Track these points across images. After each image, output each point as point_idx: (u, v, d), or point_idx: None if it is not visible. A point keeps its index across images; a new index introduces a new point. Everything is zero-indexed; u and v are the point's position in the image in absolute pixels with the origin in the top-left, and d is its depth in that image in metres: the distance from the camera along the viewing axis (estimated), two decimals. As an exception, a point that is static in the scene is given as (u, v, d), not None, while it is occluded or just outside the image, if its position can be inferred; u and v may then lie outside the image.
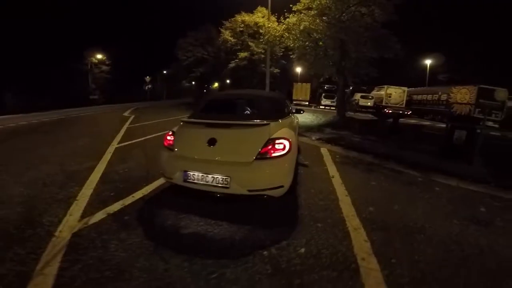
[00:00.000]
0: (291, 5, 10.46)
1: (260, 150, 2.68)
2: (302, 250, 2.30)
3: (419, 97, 23.14)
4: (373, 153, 6.37)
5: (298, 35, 10.08)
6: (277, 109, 3.56)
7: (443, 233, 2.80)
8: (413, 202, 3.71)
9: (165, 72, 40.24)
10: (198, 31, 27.34)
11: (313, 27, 9.25)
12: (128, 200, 3.18)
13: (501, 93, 15.71)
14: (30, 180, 3.87)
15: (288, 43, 10.86)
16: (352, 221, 2.91)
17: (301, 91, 26.44)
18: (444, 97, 19.38)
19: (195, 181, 2.67)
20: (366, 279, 1.95)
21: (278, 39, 11.18)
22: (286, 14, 10.92)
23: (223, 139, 2.76)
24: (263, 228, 2.64)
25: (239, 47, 22.39)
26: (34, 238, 2.33)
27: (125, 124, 10.44)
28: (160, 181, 3.78)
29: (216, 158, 2.71)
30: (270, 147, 2.70)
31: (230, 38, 23.02)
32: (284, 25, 10.82)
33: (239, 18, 23.55)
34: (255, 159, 2.65)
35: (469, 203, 3.79)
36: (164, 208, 2.99)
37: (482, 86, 15.80)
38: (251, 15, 23.41)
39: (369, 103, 23.40)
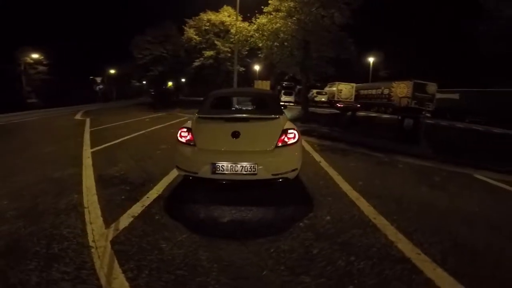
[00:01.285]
0: (262, 7, 10.95)
1: (278, 139, 3.07)
2: (328, 217, 2.80)
3: (365, 92, 25.99)
4: (344, 141, 7.34)
5: (267, 36, 10.64)
6: (277, 104, 3.98)
7: (418, 196, 3.64)
8: (387, 176, 4.56)
9: (113, 71, 36.99)
10: (157, 29, 25.97)
11: (284, 28, 9.90)
12: (146, 201, 3.12)
13: (431, 87, 18.75)
14: (12, 191, 3.45)
15: (258, 43, 11.35)
16: (351, 193, 3.56)
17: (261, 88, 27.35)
18: (386, 91, 22.19)
19: (224, 172, 2.83)
20: (385, 230, 2.59)
21: (248, 38, 11.58)
22: (257, 15, 11.38)
23: (245, 131, 3.03)
24: (287, 206, 3.05)
25: (204, 45, 22.07)
26: (70, 252, 2.09)
27: (84, 128, 9.61)
28: (168, 179, 3.82)
29: (242, 149, 2.99)
30: (284, 136, 3.12)
31: (194, 36, 22.51)
32: (255, 25, 11.27)
33: (204, 16, 23.16)
34: (275, 147, 3.04)
35: (426, 175, 4.81)
36: (189, 203, 3.05)
37: (416, 81, 18.59)
38: (217, 14, 23.24)
39: (323, 99, 25.57)
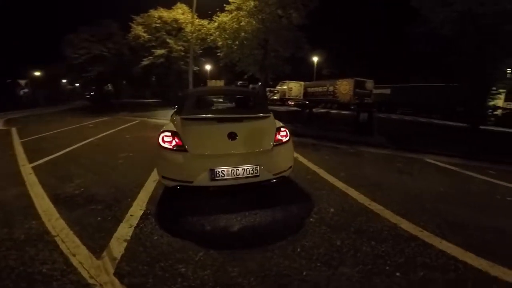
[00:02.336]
0: (224, 4, 10.63)
1: (274, 138, 2.98)
2: (332, 209, 2.87)
3: (312, 89, 27.77)
4: (310, 136, 7.68)
5: (228, 34, 10.42)
6: (264, 103, 3.88)
7: (393, 182, 4.08)
8: (360, 166, 4.96)
9: (39, 73, 31.11)
10: (96, 26, 22.90)
11: (248, 27, 9.82)
12: (131, 220, 2.58)
13: (369, 84, 21.05)
14: None
15: (218, 41, 11.02)
16: (339, 184, 3.75)
17: (215, 88, 26.80)
18: (331, 88, 24.08)
19: (225, 177, 2.60)
20: (384, 215, 2.80)
21: (208, 37, 11.14)
22: (218, 13, 11.00)
23: (242, 132, 2.81)
24: (290, 204, 3.01)
25: (154, 43, 20.32)
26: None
27: (12, 139, 7.87)
28: (146, 192, 3.32)
29: (241, 151, 2.79)
30: (278, 134, 3.05)
31: (143, 34, 20.51)
32: (216, 23, 10.89)
33: (155, 13, 21.22)
34: (273, 146, 2.93)
35: (390, 162, 5.39)
36: (185, 216, 2.70)
37: (357, 78, 20.62)
38: (170, 11, 21.61)
39: (275, 97, 26.50)
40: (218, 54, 12.73)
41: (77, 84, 30.10)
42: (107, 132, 8.50)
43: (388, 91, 24.64)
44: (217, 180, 2.60)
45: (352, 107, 16.97)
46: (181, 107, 3.33)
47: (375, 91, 22.14)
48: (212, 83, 27.46)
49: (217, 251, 2.09)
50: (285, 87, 26.40)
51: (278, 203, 3.02)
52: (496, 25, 7.89)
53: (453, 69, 9.97)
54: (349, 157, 5.67)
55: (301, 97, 26.51)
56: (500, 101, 15.52)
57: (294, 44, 10.54)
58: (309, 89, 28.01)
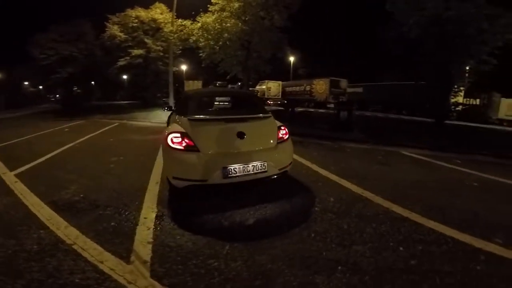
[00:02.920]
0: (208, 5, 10.58)
1: (277, 136, 3.20)
2: (332, 199, 3.18)
3: (290, 89, 28.45)
4: (296, 134, 7.94)
5: (212, 36, 10.42)
6: (262, 103, 4.07)
7: (377, 172, 4.54)
8: (346, 160, 5.38)
9: None
10: (65, 26, 21.36)
11: (234, 29, 9.90)
12: (147, 222, 2.59)
13: (343, 83, 22.08)
14: None
15: (199, 43, 10.96)
16: (332, 176, 4.11)
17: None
18: (308, 88, 24.88)
19: (236, 174, 2.74)
20: (376, 201, 3.18)
21: (190, 38, 11.02)
22: (201, 13, 10.91)
23: (249, 131, 2.97)
24: (294, 197, 3.25)
25: (130, 43, 19.46)
26: None
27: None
28: (152, 193, 3.32)
29: (250, 148, 2.96)
30: (280, 133, 3.27)
31: (119, 33, 19.53)
32: (199, 24, 10.80)
33: (132, 13, 20.23)
34: (277, 143, 3.15)
35: (371, 155, 5.88)
36: (200, 215, 2.77)
37: (332, 78, 21.54)
38: (148, 10, 20.76)
39: (255, 97, 26.74)
40: (200, 54, 12.66)
41: (40, 87, 27.94)
42: (87, 136, 8.12)
43: (360, 89, 26.10)
44: (230, 177, 2.74)
45: (332, 106, 17.79)
46: (184, 109, 3.38)
47: (349, 90, 23.31)
48: (189, 84, 27.11)
49: (241, 243, 2.25)
50: (264, 87, 26.74)
51: (283, 196, 3.24)
52: (458, 29, 8.87)
53: (419, 69, 10.91)
54: (335, 152, 6.08)
55: (280, 97, 27.07)
56: (460, 98, 17.18)
57: (275, 45, 10.86)
58: (287, 89, 28.64)
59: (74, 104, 19.39)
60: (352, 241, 2.30)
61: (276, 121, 3.45)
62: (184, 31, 11.44)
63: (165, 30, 19.29)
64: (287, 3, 10.20)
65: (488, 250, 2.25)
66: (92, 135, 8.34)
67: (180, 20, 13.39)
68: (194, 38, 11.62)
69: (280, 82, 27.86)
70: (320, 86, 23.00)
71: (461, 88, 12.60)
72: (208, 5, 10.95)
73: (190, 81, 27.25)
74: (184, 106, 3.49)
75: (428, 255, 2.16)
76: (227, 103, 4.37)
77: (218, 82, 26.74)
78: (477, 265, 2.06)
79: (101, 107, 20.99)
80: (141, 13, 20.62)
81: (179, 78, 30.53)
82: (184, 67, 30.82)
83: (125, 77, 30.61)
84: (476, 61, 10.19)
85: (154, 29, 20.69)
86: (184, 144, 2.82)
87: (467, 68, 11.12)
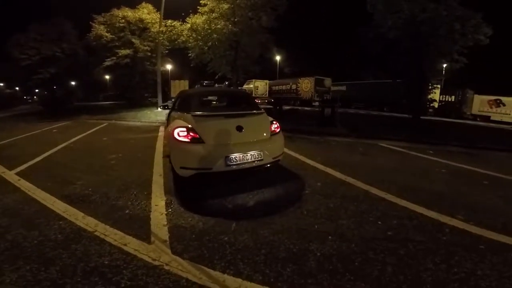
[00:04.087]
0: (198, 7, 10.74)
1: (270, 129, 3.61)
2: (319, 184, 3.67)
3: (277, 87, 28.94)
4: (285, 130, 8.35)
5: (202, 36, 10.64)
6: (254, 101, 4.47)
7: (358, 161, 5.13)
8: (330, 151, 5.93)
9: None
10: (47, 25, 20.64)
11: (225, 30, 10.16)
12: (158, 209, 2.90)
13: (328, 82, 22.83)
14: None
15: (188, 43, 11.14)
16: (318, 165, 4.60)
17: (179, 88, 26.23)
18: (294, 86, 25.47)
19: (237, 162, 3.11)
20: (358, 185, 3.69)
21: (179, 38, 11.16)
22: (191, 14, 11.06)
23: (246, 125, 3.38)
24: (286, 183, 3.71)
25: (117, 43, 19.17)
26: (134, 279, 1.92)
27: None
28: (158, 185, 3.61)
29: (248, 140, 3.35)
30: (272, 126, 3.69)
31: (105, 33, 19.15)
32: (188, 25, 10.96)
33: (119, 13, 19.87)
34: (270, 135, 3.56)
35: (353, 147, 6.44)
36: (206, 200, 3.12)
37: (317, 77, 22.22)
38: (135, 10, 20.45)
39: (243, 95, 27.06)
40: (189, 54, 12.84)
41: (17, 88, 26.84)
42: (79, 136, 8.17)
43: (344, 87, 27.06)
44: (231, 165, 3.12)
45: (317, 103, 18.42)
46: (187, 106, 3.75)
47: (333, 88, 24.14)
48: (175, 84, 27.01)
49: (245, 221, 2.63)
50: (251, 85, 27.11)
51: (276, 182, 3.67)
52: (432, 30, 9.64)
53: (397, 67, 11.65)
54: (320, 145, 6.61)
55: (267, 95, 27.55)
56: (436, 95, 18.33)
57: (263, 45, 11.25)
58: (274, 87, 29.13)
59: (56, 105, 18.84)
60: (338, 216, 2.74)
61: (268, 117, 3.86)
62: (173, 31, 11.58)
63: (152, 30, 19.22)
64: (275, 5, 10.63)
65: (452, 224, 2.71)
66: (84, 135, 8.40)
67: (169, 21, 13.48)
68: (183, 39, 11.78)
69: (267, 81, 28.34)
70: (306, 85, 23.65)
71: (436, 86, 13.54)
72: (198, 6, 11.15)
73: (177, 81, 27.14)
74: (186, 104, 3.85)
75: (402, 228, 2.61)
76: (224, 102, 4.78)
77: (205, 82, 26.85)
78: (443, 236, 2.51)
79: (85, 108, 20.51)
80: (128, 13, 20.39)
81: (164, 78, 30.29)
82: (169, 67, 30.59)
83: (107, 77, 29.92)
84: (448, 60, 11.01)
85: (141, 29, 20.56)
86: (190, 137, 3.18)
87: (444, 66, 11.97)
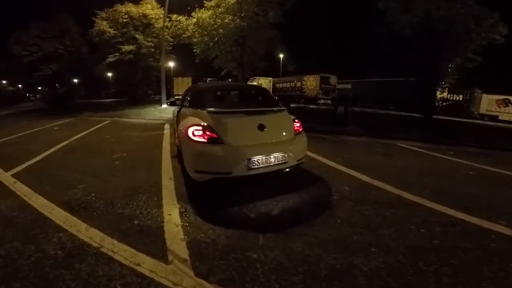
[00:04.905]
0: (204, 1, 10.38)
1: (293, 128, 3.25)
2: (346, 188, 3.34)
3: (281, 85, 28.63)
4: (295, 129, 8.14)
5: (208, 31, 10.27)
6: (273, 98, 4.10)
7: (378, 162, 4.77)
8: (349, 152, 5.59)
9: None
10: (47, 22, 20.38)
11: (232, 25, 9.78)
12: (173, 219, 2.55)
13: (333, 79, 22.45)
14: None
15: (193, 38, 10.78)
16: (340, 167, 4.28)
17: (183, 86, 25.90)
18: (298, 84, 25.11)
19: (260, 166, 2.75)
20: (386, 188, 3.42)
21: (185, 33, 10.79)
22: (197, 9, 10.69)
23: (269, 123, 3.00)
24: (310, 187, 3.36)
25: (120, 39, 18.81)
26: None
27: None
28: (169, 191, 3.24)
29: (271, 140, 2.99)
30: (295, 125, 3.33)
31: (109, 29, 18.79)
32: (194, 19, 10.58)
33: (122, 8, 19.52)
34: (294, 135, 3.20)
35: (371, 147, 6.09)
36: (224, 208, 2.76)
37: (322, 74, 21.83)
38: (138, 6, 20.11)
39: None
40: (194, 50, 12.45)
41: (19, 85, 26.60)
42: (81, 134, 7.85)
43: (349, 86, 26.65)
44: (254, 169, 2.75)
45: (323, 101, 18.05)
46: (200, 102, 3.35)
47: (338, 86, 23.76)
48: (178, 81, 26.64)
49: (273, 234, 2.28)
50: (255, 83, 26.75)
51: (300, 187, 3.32)
52: (448, 28, 9.27)
53: (407, 65, 11.29)
54: (337, 145, 6.25)
55: (271, 93, 27.19)
56: (444, 94, 17.95)
57: (270, 41, 10.89)
58: (278, 85, 28.79)
59: (59, 102, 18.58)
60: (376, 225, 2.46)
61: (290, 115, 3.49)
62: (179, 26, 11.18)
63: (156, 26, 18.85)
64: (282, 0, 10.25)
65: (497, 230, 2.47)
66: (86, 133, 8.07)
67: (175, 15, 13.04)
68: (188, 34, 11.39)
69: (271, 79, 27.96)
70: (311, 83, 23.27)
71: (447, 84, 13.19)
72: (204, 1, 10.77)
73: (180, 78, 26.78)
74: (199, 100, 3.46)
75: (446, 235, 2.35)
76: (240, 97, 4.39)
77: (209, 79, 26.48)
78: (491, 242, 2.27)
79: (87, 105, 20.27)
80: (131, 8, 20.00)
81: (167, 75, 29.91)
82: (171, 64, 30.21)
83: (110, 74, 29.60)
84: (462, 59, 10.66)
85: (145, 24, 20.19)
86: (206, 136, 2.79)
87: (450, 65, 11.61)
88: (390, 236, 2.30)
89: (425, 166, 4.80)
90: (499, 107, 22.01)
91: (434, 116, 12.30)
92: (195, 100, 3.54)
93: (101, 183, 3.64)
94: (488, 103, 22.30)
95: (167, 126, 9.03)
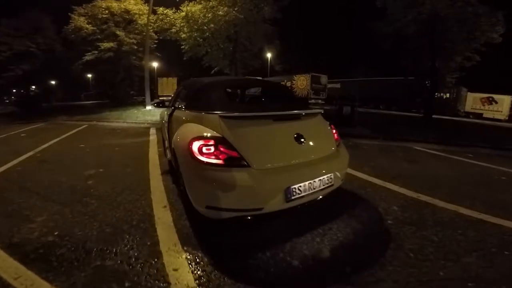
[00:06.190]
0: None
1: (334, 137, 2.47)
2: (395, 207, 2.74)
3: (270, 85, 27.98)
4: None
5: (198, 26, 9.31)
6: (295, 96, 3.28)
7: (407, 170, 4.21)
8: (370, 158, 5.02)
9: None
10: (21, 19, 18.51)
11: (228, 18, 8.87)
12: (179, 276, 1.78)
13: (324, 79, 22.09)
14: None
15: (181, 34, 9.78)
16: (372, 179, 3.66)
17: (167, 86, 24.59)
18: (288, 84, 24.52)
19: (302, 195, 1.94)
20: (437, 203, 2.90)
21: (173, 27, 9.75)
22: (186, 1, 9.66)
23: (306, 132, 2.17)
24: (353, 210, 2.64)
25: (99, 36, 17.26)
26: None
27: None
28: (166, 226, 2.39)
29: (313, 156, 2.14)
30: (334, 133, 2.56)
31: (86, 25, 17.18)
32: (183, 13, 9.56)
33: (102, 3, 17.90)
34: (336, 147, 2.42)
35: (390, 152, 5.65)
36: (256, 254, 1.93)
37: (313, 74, 21.39)
38: (120, 1, 18.56)
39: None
40: (182, 47, 11.41)
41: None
42: (51, 142, 6.64)
43: (338, 85, 26.46)
44: (294, 199, 1.92)
45: (334, 102, 17.61)
46: (206, 103, 2.41)
47: (328, 85, 23.46)
48: (163, 81, 25.23)
49: (338, 284, 1.61)
50: (244, 83, 25.95)
51: (340, 211, 2.58)
52: (451, 27, 8.97)
53: (407, 64, 10.94)
54: (353, 150, 5.51)
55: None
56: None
57: (268, 38, 10.14)
58: (267, 85, 28.14)
59: (32, 105, 16.90)
60: (455, 253, 2.02)
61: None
62: (165, 20, 10.16)
63: (139, 22, 17.55)
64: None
65: None
66: (57, 141, 6.89)
67: (161, 8, 11.83)
68: (176, 28, 10.36)
69: (259, 78, 27.25)
70: (301, 82, 22.77)
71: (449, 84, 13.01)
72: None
73: (164, 78, 25.39)
74: (203, 99, 2.51)
75: None
76: (258, 96, 3.45)
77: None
78: None
79: (64, 108, 18.56)
80: (112, 3, 18.51)
81: (151, 75, 28.38)
82: (155, 64, 28.70)
83: (90, 76, 27.82)
84: (461, 57, 10.47)
85: (127, 21, 18.77)
86: (222, 155, 1.88)
87: (451, 64, 11.38)
88: (478, 264, 1.89)
89: (457, 173, 4.29)
90: (484, 105, 22.58)
91: (434, 116, 12.08)
92: (197, 100, 2.59)
93: (69, 215, 2.67)
94: (473, 101, 22.81)
95: (153, 131, 8.01)
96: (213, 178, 1.83)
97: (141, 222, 2.38)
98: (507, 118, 20.68)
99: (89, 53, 17.17)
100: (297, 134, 2.12)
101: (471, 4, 8.81)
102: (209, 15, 9.25)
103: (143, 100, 15.71)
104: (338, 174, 2.23)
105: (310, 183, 1.99)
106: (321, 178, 2.06)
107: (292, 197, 1.91)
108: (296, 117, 2.32)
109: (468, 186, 3.56)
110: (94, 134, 7.86)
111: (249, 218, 1.92)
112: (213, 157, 1.88)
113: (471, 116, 21.89)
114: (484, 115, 21.80)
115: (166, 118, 3.70)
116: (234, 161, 1.87)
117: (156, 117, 10.29)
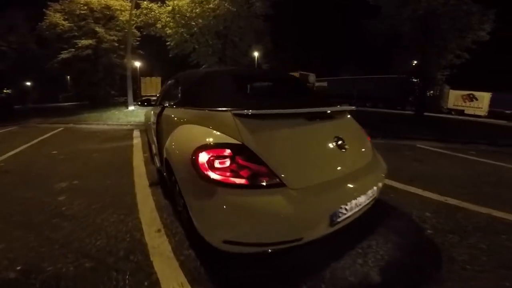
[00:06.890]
0: None
1: (369, 140, 2.11)
2: (428, 214, 2.46)
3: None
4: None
5: (185, 21, 8.69)
6: (312, 91, 2.83)
7: (420, 170, 4.02)
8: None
9: None
10: None
11: (221, 12, 8.31)
12: None
13: (312, 77, 22.21)
14: None
15: (167, 30, 9.12)
16: (392, 182, 3.29)
17: (151, 86, 23.62)
18: (277, 83, 24.37)
19: (348, 215, 1.52)
20: (466, 206, 2.69)
21: (158, 22, 9.06)
22: None
23: (346, 136, 1.72)
24: (385, 220, 2.34)
25: (76, 33, 16.00)
26: None
27: None
28: (163, 258, 1.89)
29: (356, 166, 1.70)
30: (366, 134, 2.19)
31: (62, 22, 15.85)
32: (169, 7, 8.88)
33: None
34: (372, 151, 2.04)
35: (395, 151, 5.43)
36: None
37: (301, 72, 21.37)
38: None
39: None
40: (168, 43, 10.72)
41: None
42: (19, 149, 5.83)
43: (325, 83, 26.59)
44: (339, 222, 1.49)
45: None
46: (210, 97, 1.89)
47: (316, 84, 23.59)
48: (146, 81, 24.20)
49: None
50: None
51: (373, 224, 2.23)
52: (444, 25, 8.97)
53: (398, 62, 10.93)
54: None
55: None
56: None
57: (258, 34, 9.74)
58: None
59: (3, 107, 15.56)
60: (510, 261, 1.83)
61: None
62: (150, 15, 9.46)
63: (121, 18, 16.52)
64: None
65: None
66: (26, 147, 6.09)
67: (145, 2, 10.98)
68: (162, 23, 9.68)
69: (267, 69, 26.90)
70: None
71: (440, 81, 13.18)
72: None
73: (147, 78, 24.38)
74: (207, 93, 1.97)
75: None
76: (273, 92, 2.84)
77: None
78: None
79: (40, 110, 17.24)
80: (92, -1, 17.35)
81: (133, 75, 27.13)
82: (138, 64, 27.48)
83: (68, 77, 26.34)
84: (452, 55, 10.58)
85: (108, 17, 17.62)
86: (246, 171, 1.34)
87: (442, 62, 11.49)
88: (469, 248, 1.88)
89: (468, 171, 4.09)
90: (465, 102, 23.36)
91: (426, 114, 12.18)
92: (197, 94, 2.03)
93: (35, 243, 2.10)
94: (454, 98, 23.57)
95: (136, 133, 7.36)
96: (234, 205, 1.30)
97: (131, 253, 1.85)
98: (486, 114, 21.47)
99: (65, 51, 15.93)
100: (337, 137, 1.66)
101: (465, 2, 8.82)
102: (197, 9, 8.68)
103: (125, 101, 14.78)
104: (380, 184, 1.84)
105: (358, 200, 1.57)
106: (368, 192, 1.65)
107: (338, 219, 1.48)
108: (330, 117, 1.84)
109: (488, 186, 3.36)
110: (70, 138, 7.09)
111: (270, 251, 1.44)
112: (231, 174, 1.34)
113: (453, 113, 22.60)
114: (466, 112, 22.55)
115: (153, 118, 3.12)
116: (262, 180, 1.34)
117: (140, 118, 9.58)
